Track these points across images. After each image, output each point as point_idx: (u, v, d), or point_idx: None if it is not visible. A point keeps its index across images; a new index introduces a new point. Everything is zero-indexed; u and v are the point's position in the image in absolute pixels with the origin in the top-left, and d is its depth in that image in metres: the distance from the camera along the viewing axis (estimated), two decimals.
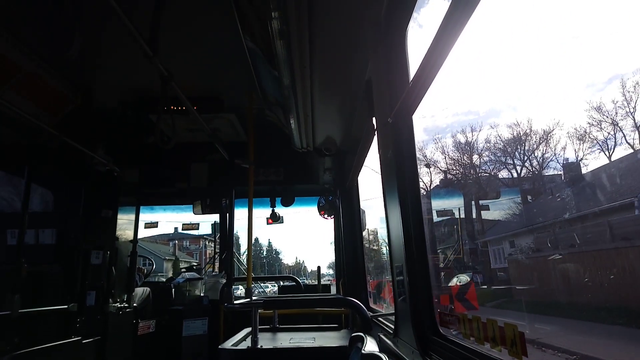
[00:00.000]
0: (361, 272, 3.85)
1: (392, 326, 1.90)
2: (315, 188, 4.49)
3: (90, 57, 2.78)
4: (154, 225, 8.95)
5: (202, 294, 4.32)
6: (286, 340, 2.58)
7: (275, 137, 3.68)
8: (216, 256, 5.37)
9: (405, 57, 1.75)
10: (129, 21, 1.83)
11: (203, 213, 4.81)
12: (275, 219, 4.59)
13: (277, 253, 65.11)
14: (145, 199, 4.24)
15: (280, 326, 3.09)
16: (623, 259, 3.62)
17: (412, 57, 1.73)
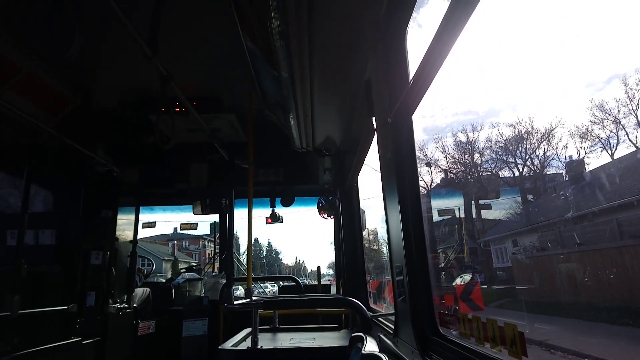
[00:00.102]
0: (361, 272, 3.85)
1: (392, 326, 1.90)
2: (315, 188, 4.49)
3: (90, 58, 2.77)
4: (151, 225, 8.95)
5: (202, 295, 4.31)
6: (286, 340, 2.58)
7: (275, 137, 3.68)
8: (216, 256, 5.37)
9: (405, 57, 1.75)
10: (128, 21, 1.83)
11: (203, 213, 4.81)
12: (274, 219, 4.59)
13: (277, 253, 65.13)
14: (145, 199, 4.24)
15: (280, 326, 3.09)
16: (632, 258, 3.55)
17: (412, 57, 1.74)
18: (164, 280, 5.25)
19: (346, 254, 4.05)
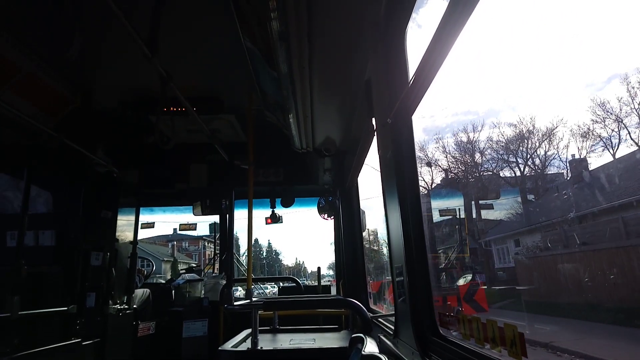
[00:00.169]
0: (361, 273, 3.85)
1: (392, 327, 1.90)
2: (315, 189, 4.48)
3: (89, 58, 2.77)
4: (150, 225, 8.93)
5: (202, 296, 4.31)
6: (286, 341, 2.58)
7: (274, 137, 3.67)
8: (216, 257, 5.37)
9: (405, 57, 1.75)
10: (128, 22, 1.83)
11: (203, 214, 4.81)
12: (274, 219, 4.59)
13: (277, 254, 65.04)
14: (145, 199, 4.23)
15: (280, 327, 3.09)
16: None
17: (412, 57, 1.73)
18: (163, 281, 5.24)
19: (346, 255, 4.05)
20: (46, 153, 3.02)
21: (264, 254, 63.53)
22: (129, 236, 3.93)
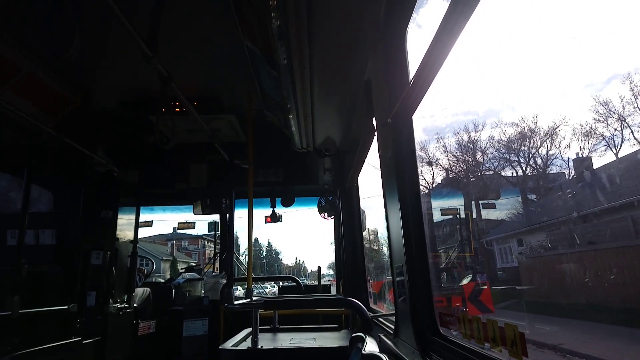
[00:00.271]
0: (361, 273, 3.85)
1: (393, 326, 1.90)
2: (315, 188, 4.48)
3: (89, 58, 2.77)
4: (148, 224, 8.93)
5: (202, 295, 4.31)
6: (286, 340, 2.58)
7: (274, 137, 3.68)
8: (216, 256, 5.37)
9: (405, 57, 1.75)
10: (128, 22, 1.83)
11: (203, 214, 4.81)
12: (274, 218, 4.59)
13: (277, 253, 65.08)
14: (145, 199, 4.24)
15: (281, 326, 3.09)
16: None
17: (412, 57, 1.74)
18: (162, 281, 5.24)
19: (346, 254, 4.05)
20: (46, 153, 3.03)
21: (264, 253, 63.55)
22: (129, 235, 3.94)
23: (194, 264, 6.31)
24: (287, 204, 4.55)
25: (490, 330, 1.17)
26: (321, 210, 4.51)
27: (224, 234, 4.92)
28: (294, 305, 2.94)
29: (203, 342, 3.87)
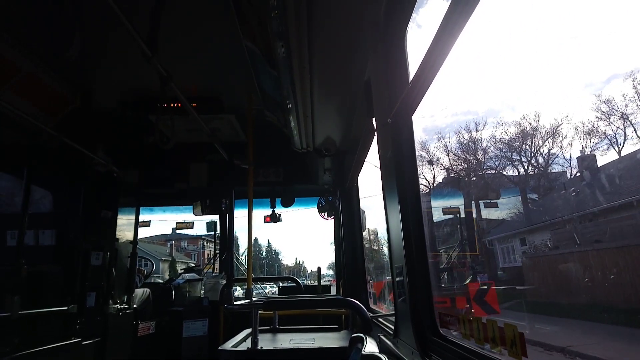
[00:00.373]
0: (361, 273, 3.85)
1: (392, 327, 1.90)
2: (315, 188, 4.48)
3: (89, 58, 2.77)
4: (146, 224, 8.91)
5: (202, 295, 4.31)
6: (286, 341, 2.58)
7: (274, 137, 3.67)
8: (216, 257, 5.37)
9: (405, 57, 1.75)
10: (128, 22, 1.83)
11: (203, 214, 4.80)
12: (274, 219, 4.59)
13: (277, 254, 65.04)
14: (145, 199, 4.24)
15: (280, 327, 3.09)
16: None
17: (412, 57, 1.73)
18: (161, 281, 5.24)
19: (346, 255, 4.05)
20: (46, 153, 3.02)
21: (264, 253, 63.53)
22: (129, 236, 3.94)
23: (193, 265, 6.31)
24: (287, 204, 4.55)
25: (490, 331, 1.16)
26: (321, 210, 4.51)
27: (224, 234, 4.91)
28: (293, 305, 2.94)
29: (203, 342, 3.87)
